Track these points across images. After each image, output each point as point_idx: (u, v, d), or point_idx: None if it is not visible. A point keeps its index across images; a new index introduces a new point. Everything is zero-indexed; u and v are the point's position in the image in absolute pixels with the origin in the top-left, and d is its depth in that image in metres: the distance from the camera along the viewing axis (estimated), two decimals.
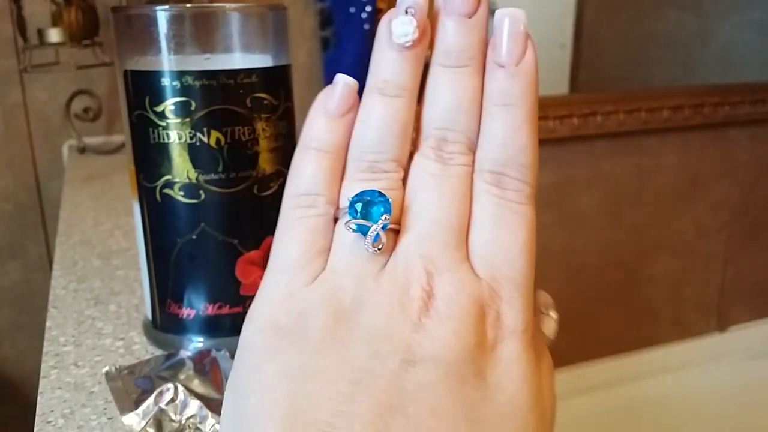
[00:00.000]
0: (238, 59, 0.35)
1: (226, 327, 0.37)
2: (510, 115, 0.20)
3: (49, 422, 0.33)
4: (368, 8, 1.04)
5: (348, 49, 1.04)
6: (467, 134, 0.20)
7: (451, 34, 0.20)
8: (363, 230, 0.19)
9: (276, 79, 0.36)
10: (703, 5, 1.42)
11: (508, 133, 0.20)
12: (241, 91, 0.34)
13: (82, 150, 0.95)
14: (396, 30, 0.20)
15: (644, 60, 1.36)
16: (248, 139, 0.35)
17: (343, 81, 0.21)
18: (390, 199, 0.19)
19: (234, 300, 0.37)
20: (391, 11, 0.20)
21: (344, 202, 0.20)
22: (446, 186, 0.20)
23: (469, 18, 0.20)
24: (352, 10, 1.04)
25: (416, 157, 0.21)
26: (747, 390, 1.48)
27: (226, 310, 0.37)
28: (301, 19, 1.06)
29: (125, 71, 0.35)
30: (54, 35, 0.85)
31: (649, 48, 1.37)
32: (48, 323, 0.44)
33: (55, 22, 0.87)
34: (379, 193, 0.19)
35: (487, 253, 0.19)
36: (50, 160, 0.99)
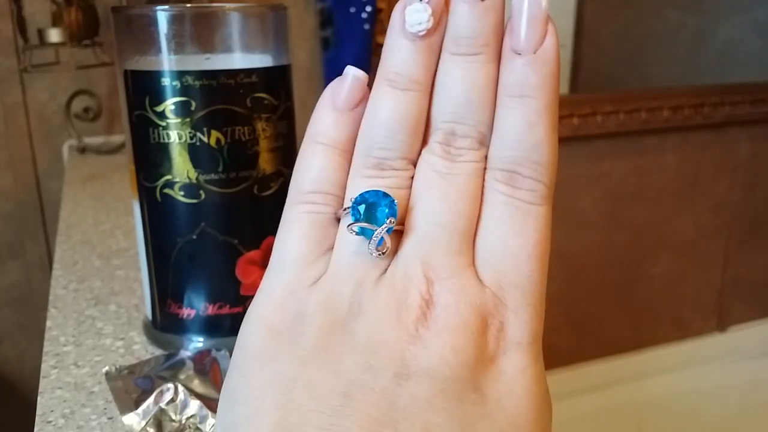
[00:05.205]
0: (238, 59, 0.35)
1: (226, 327, 0.37)
2: (525, 108, 0.18)
3: (49, 422, 0.33)
4: (368, 8, 1.03)
5: (348, 49, 1.04)
6: (478, 128, 0.19)
7: (463, 18, 0.18)
8: (367, 233, 0.18)
9: (276, 79, 0.36)
10: (703, 5, 1.42)
11: (522, 128, 0.18)
12: (241, 91, 0.34)
13: (82, 150, 0.95)
14: (410, 18, 0.18)
15: (644, 60, 1.36)
16: (248, 139, 0.35)
17: (353, 73, 0.20)
18: (395, 200, 0.18)
19: (234, 300, 0.37)
20: None
21: (348, 202, 0.19)
22: (451, 186, 0.18)
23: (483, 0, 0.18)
24: (352, 10, 1.04)
25: (423, 152, 0.19)
26: (747, 390, 1.48)
27: (226, 310, 0.37)
28: (301, 19, 1.06)
29: (125, 71, 0.35)
30: (54, 35, 0.85)
31: (649, 48, 1.37)
32: (48, 323, 0.44)
33: (55, 22, 0.87)
34: (384, 193, 0.18)
35: (493, 257, 0.18)
36: (50, 160, 0.99)
